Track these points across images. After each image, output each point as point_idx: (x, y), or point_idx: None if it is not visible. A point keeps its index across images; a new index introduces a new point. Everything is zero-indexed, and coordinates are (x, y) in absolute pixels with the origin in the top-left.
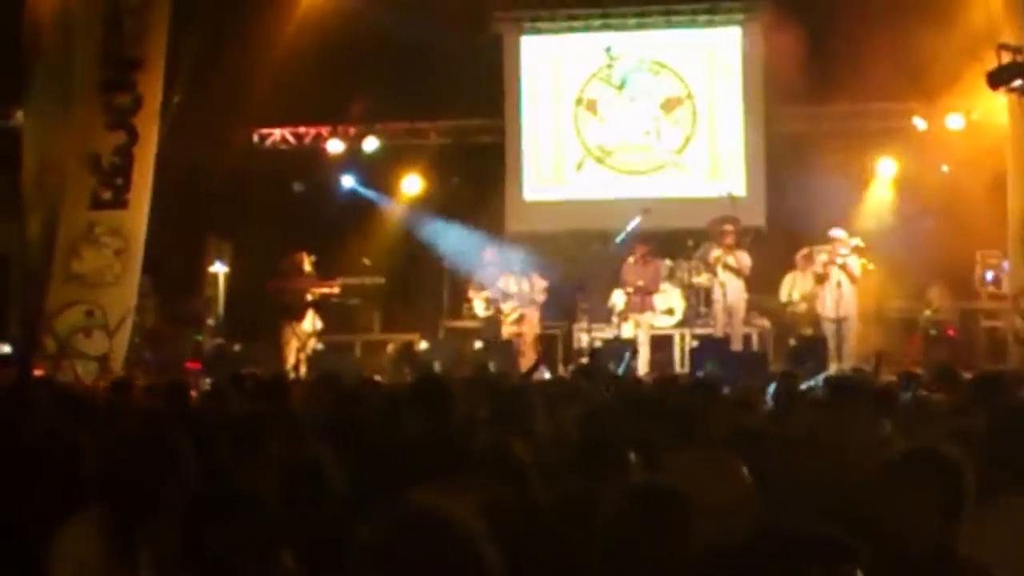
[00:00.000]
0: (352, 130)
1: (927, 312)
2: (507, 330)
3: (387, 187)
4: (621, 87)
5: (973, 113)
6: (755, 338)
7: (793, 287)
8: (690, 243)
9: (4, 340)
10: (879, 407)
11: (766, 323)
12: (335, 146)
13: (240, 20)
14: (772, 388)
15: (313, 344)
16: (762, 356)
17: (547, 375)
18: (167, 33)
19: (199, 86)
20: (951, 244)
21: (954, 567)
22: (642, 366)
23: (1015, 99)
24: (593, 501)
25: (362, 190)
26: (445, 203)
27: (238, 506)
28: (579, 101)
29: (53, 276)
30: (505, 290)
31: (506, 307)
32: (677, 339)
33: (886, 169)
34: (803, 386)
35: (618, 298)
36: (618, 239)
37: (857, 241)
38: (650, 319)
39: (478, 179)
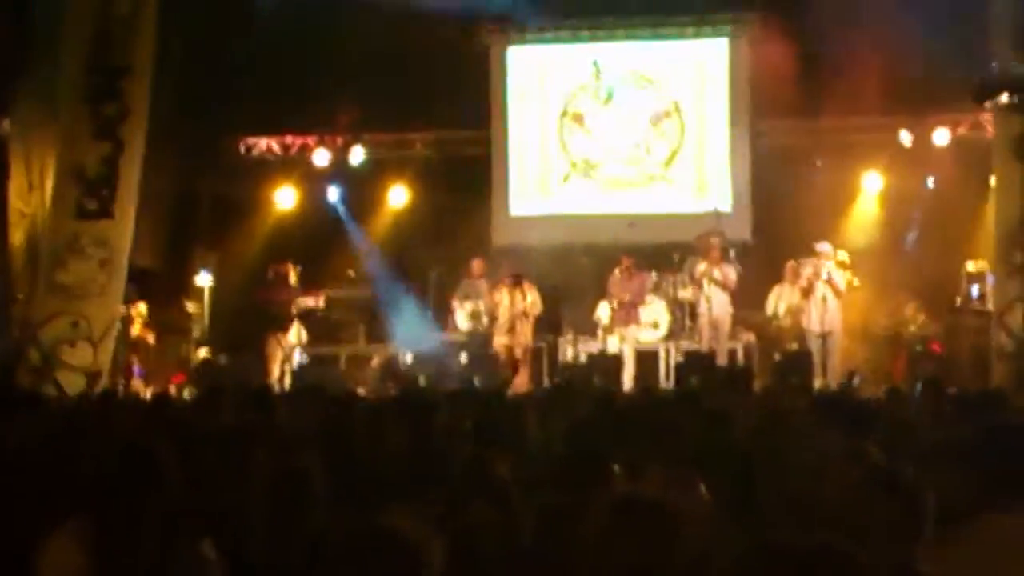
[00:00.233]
0: (339, 141)
1: (912, 328)
2: (497, 342)
3: (373, 198)
4: (608, 100)
5: (959, 128)
6: (740, 352)
7: (780, 300)
8: (676, 257)
9: None
10: (862, 424)
11: (751, 337)
12: (321, 157)
13: (226, 28)
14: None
15: (298, 356)
16: (747, 371)
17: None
18: (154, 42)
19: (186, 96)
20: (936, 259)
21: None
22: (627, 380)
23: (1001, 114)
24: (575, 515)
25: (344, 214)
26: (431, 215)
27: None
28: (565, 114)
29: (37, 286)
30: (494, 303)
31: (501, 320)
32: (662, 353)
33: (872, 183)
34: None
35: (603, 311)
36: None
37: (843, 255)
38: (635, 332)
39: (464, 191)
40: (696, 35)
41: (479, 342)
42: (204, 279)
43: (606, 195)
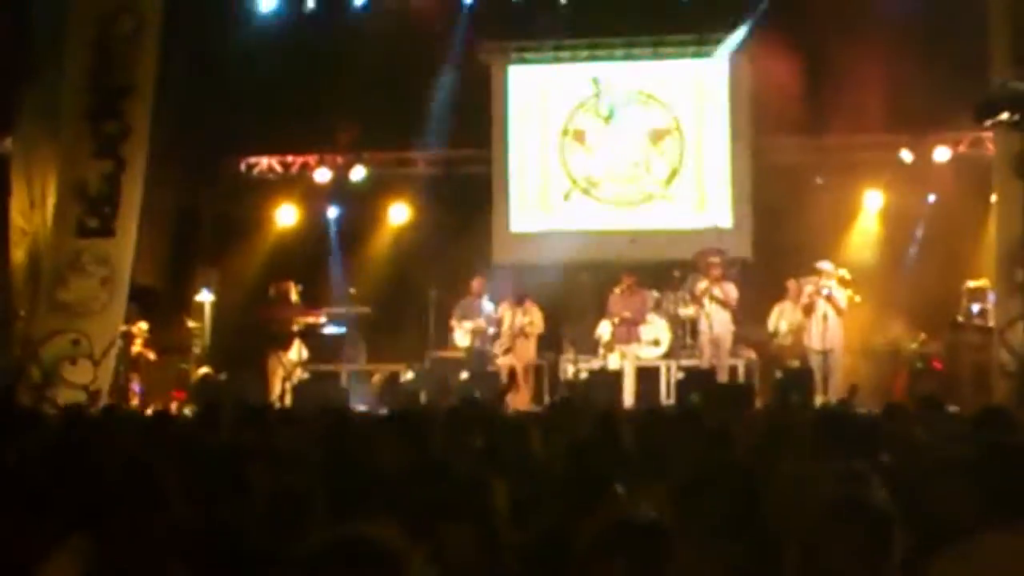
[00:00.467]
0: (340, 159)
1: (913, 345)
2: (499, 360)
3: (374, 216)
4: (608, 118)
5: (960, 146)
6: (741, 370)
7: (781, 318)
8: (676, 274)
9: None
10: (863, 442)
11: (752, 355)
12: (322, 175)
13: (227, 48)
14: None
15: (299, 374)
16: (748, 388)
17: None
18: (156, 61)
19: (187, 114)
20: (937, 277)
21: None
22: (628, 397)
23: (1001, 132)
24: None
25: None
26: (432, 233)
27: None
28: (566, 132)
29: (39, 304)
30: (495, 320)
31: (502, 338)
32: (663, 370)
33: (873, 201)
34: None
35: (604, 329)
36: None
37: (844, 273)
38: (636, 350)
39: (465, 209)
40: (696, 54)
41: (480, 360)
42: (205, 297)
43: (607, 213)
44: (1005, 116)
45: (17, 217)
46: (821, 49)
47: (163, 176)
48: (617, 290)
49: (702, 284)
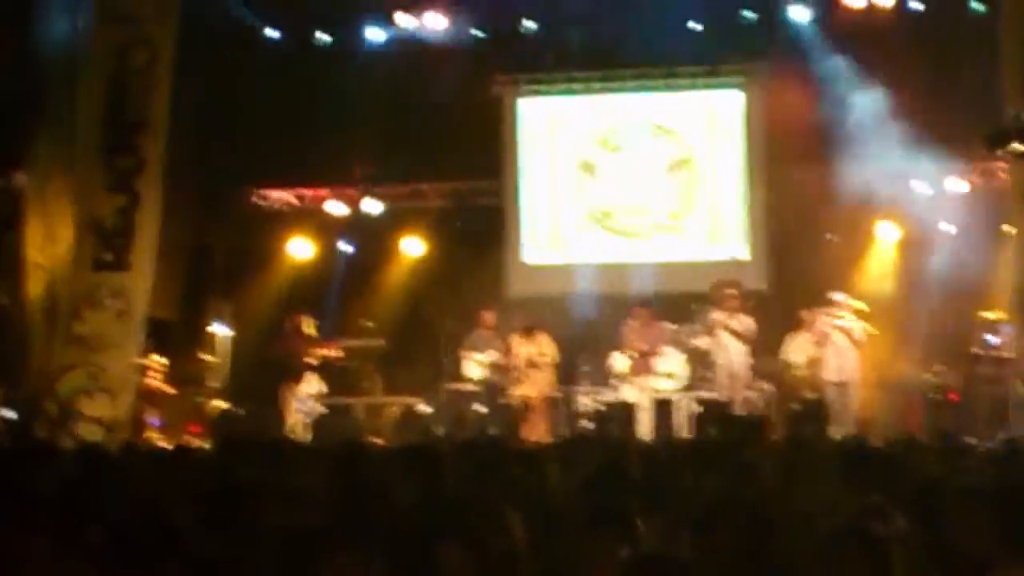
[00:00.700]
0: (353, 192)
1: (929, 377)
2: (512, 392)
3: (388, 249)
4: (621, 150)
5: (973, 176)
6: (757, 402)
7: (796, 349)
8: (692, 306)
9: (5, 404)
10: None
11: (768, 387)
12: (336, 208)
13: (242, 81)
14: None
15: (314, 407)
16: (764, 421)
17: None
18: (169, 95)
19: (201, 148)
20: (953, 308)
21: None
22: (643, 430)
23: (1014, 162)
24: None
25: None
26: (445, 265)
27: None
28: (579, 163)
29: (55, 338)
30: (507, 352)
31: (513, 369)
32: (679, 403)
33: (887, 232)
34: None
35: (619, 361)
36: None
37: (859, 305)
38: (651, 383)
39: (478, 241)
40: (709, 85)
41: (491, 392)
42: (220, 330)
43: (621, 245)
44: (1017, 146)
45: (32, 251)
46: (835, 79)
47: (177, 209)
48: (632, 322)
49: (718, 316)
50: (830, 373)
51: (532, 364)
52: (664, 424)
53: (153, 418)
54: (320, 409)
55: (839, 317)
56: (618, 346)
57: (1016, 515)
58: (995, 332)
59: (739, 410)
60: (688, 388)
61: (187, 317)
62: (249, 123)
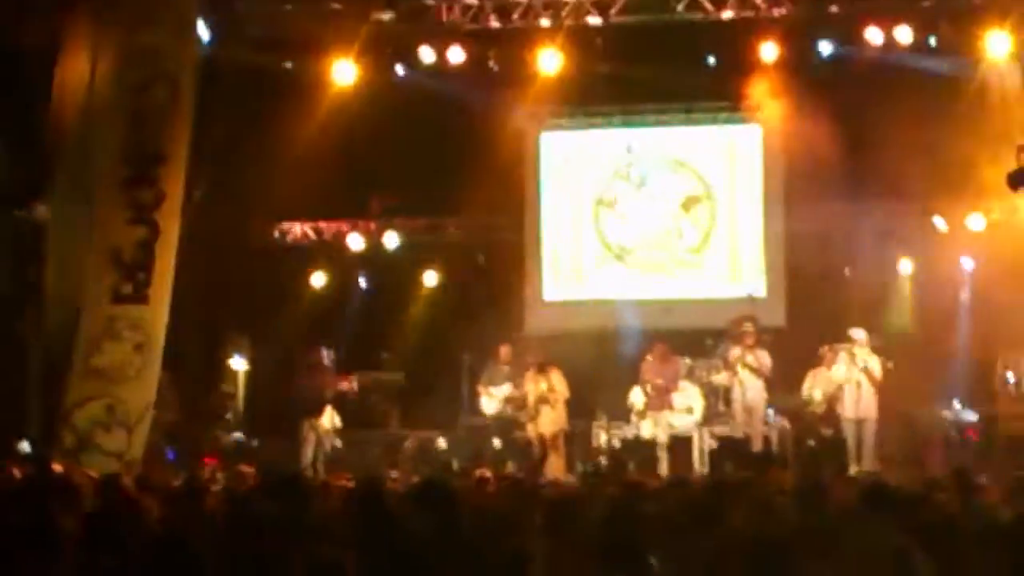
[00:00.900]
0: (372, 225)
1: (948, 414)
2: (527, 428)
3: (407, 282)
4: (641, 185)
5: (993, 213)
6: (774, 438)
7: (815, 385)
8: (709, 342)
9: (23, 436)
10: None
11: (785, 423)
12: (355, 242)
13: (262, 115)
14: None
15: (332, 440)
16: (781, 457)
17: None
18: (190, 129)
19: (221, 181)
20: (973, 345)
21: None
22: (661, 465)
23: None
24: None
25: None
26: (464, 300)
27: None
28: (599, 199)
29: (73, 370)
30: (520, 387)
31: (526, 405)
32: (696, 438)
33: (906, 268)
34: None
35: (637, 396)
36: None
37: (877, 341)
38: (669, 418)
39: (498, 276)
40: (728, 121)
41: (505, 427)
42: (238, 363)
43: (639, 280)
44: None
45: (52, 283)
46: (853, 116)
47: (196, 241)
48: (650, 357)
49: (735, 351)
50: (848, 410)
51: (544, 400)
52: (681, 460)
53: (169, 450)
54: (337, 443)
55: (858, 354)
56: (636, 381)
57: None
58: (1015, 370)
59: (756, 446)
60: (704, 423)
61: (205, 350)
62: (269, 157)
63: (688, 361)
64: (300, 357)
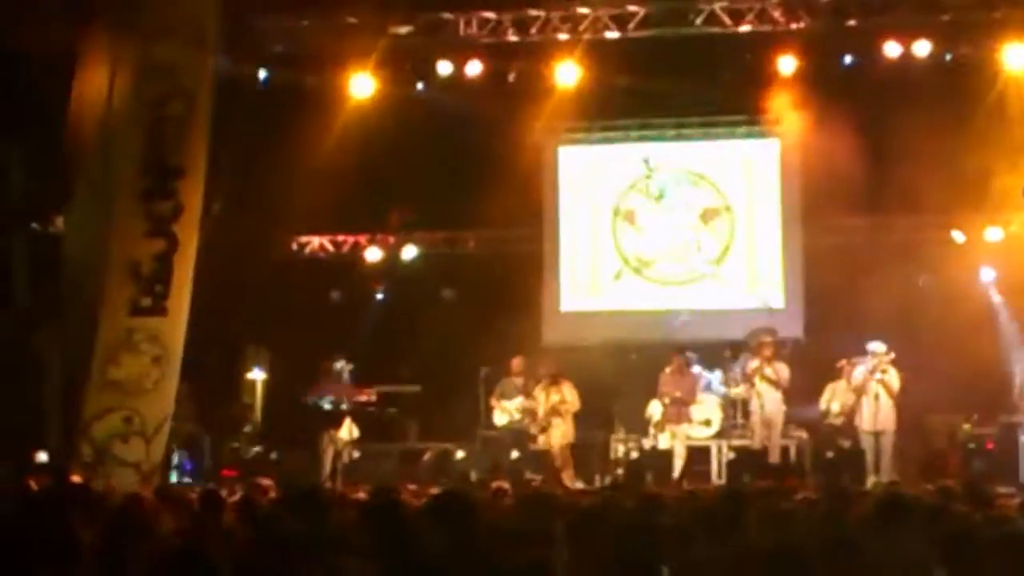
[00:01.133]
0: (391, 239)
1: (966, 425)
2: (540, 439)
3: (425, 295)
4: (659, 198)
5: (1012, 226)
6: (793, 450)
7: (833, 398)
8: (727, 354)
9: (41, 447)
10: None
11: (804, 435)
12: (373, 255)
13: (280, 129)
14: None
15: (350, 452)
16: (799, 469)
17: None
18: (208, 142)
19: (239, 194)
20: (991, 356)
21: None
22: (678, 477)
23: None
24: None
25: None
26: (482, 312)
27: None
28: (617, 211)
29: (91, 382)
30: (533, 399)
31: (538, 417)
32: (714, 450)
33: (925, 281)
34: None
35: (655, 408)
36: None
37: (894, 355)
38: (687, 430)
39: (515, 288)
40: (747, 134)
41: (517, 439)
42: (256, 375)
43: (658, 292)
44: None
45: (70, 296)
46: (871, 130)
47: (215, 254)
48: (668, 369)
49: (753, 364)
50: (866, 422)
51: (555, 412)
52: (698, 471)
53: (187, 462)
54: (355, 454)
55: (876, 366)
56: (654, 393)
57: None
58: None
59: (774, 458)
60: (722, 435)
61: (223, 362)
62: (287, 170)
63: (706, 373)
64: (318, 369)
